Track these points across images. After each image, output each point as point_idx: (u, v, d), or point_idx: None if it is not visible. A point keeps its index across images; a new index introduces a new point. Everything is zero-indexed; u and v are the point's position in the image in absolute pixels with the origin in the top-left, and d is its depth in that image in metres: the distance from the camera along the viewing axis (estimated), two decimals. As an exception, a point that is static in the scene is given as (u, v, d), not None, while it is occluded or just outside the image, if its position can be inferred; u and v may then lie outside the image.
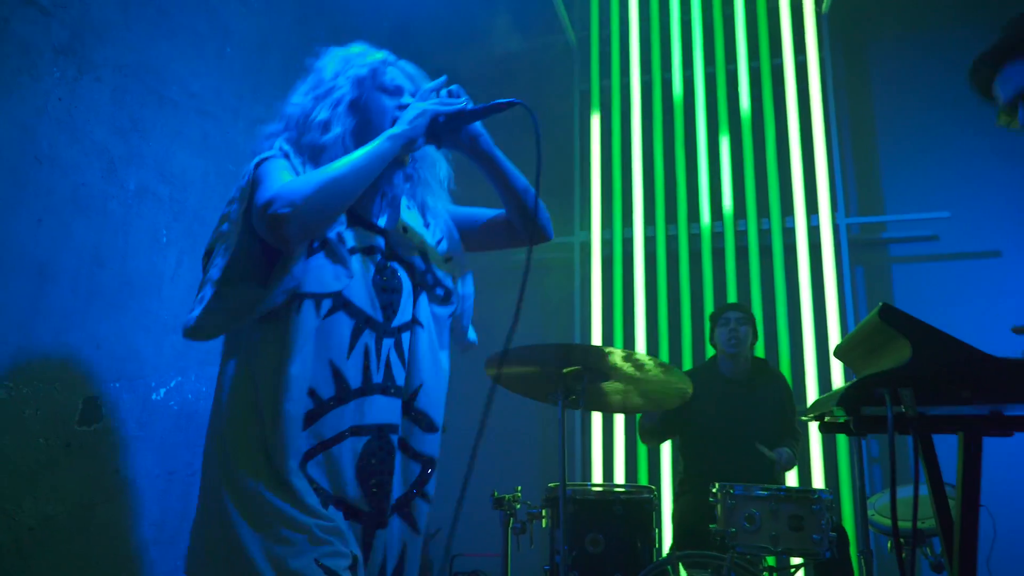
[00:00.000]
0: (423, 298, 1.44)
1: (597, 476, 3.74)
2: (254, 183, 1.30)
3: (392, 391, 1.36)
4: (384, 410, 1.34)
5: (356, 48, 1.48)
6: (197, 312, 1.27)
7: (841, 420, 1.49)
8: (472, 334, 1.57)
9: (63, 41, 1.96)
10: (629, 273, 3.99)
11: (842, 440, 3.45)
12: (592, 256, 4.05)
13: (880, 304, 1.24)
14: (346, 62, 1.44)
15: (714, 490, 2.44)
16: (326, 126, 1.37)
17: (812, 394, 3.52)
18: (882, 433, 1.21)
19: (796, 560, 2.56)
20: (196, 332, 1.29)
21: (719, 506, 2.41)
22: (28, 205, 1.87)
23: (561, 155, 4.31)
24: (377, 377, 1.33)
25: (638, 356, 2.38)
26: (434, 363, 1.42)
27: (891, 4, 4.02)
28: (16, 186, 1.84)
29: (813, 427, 3.42)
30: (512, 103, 1.37)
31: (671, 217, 4.01)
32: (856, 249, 3.78)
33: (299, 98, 1.43)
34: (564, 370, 2.29)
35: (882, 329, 1.24)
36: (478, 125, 1.44)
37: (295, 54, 3.04)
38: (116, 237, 2.14)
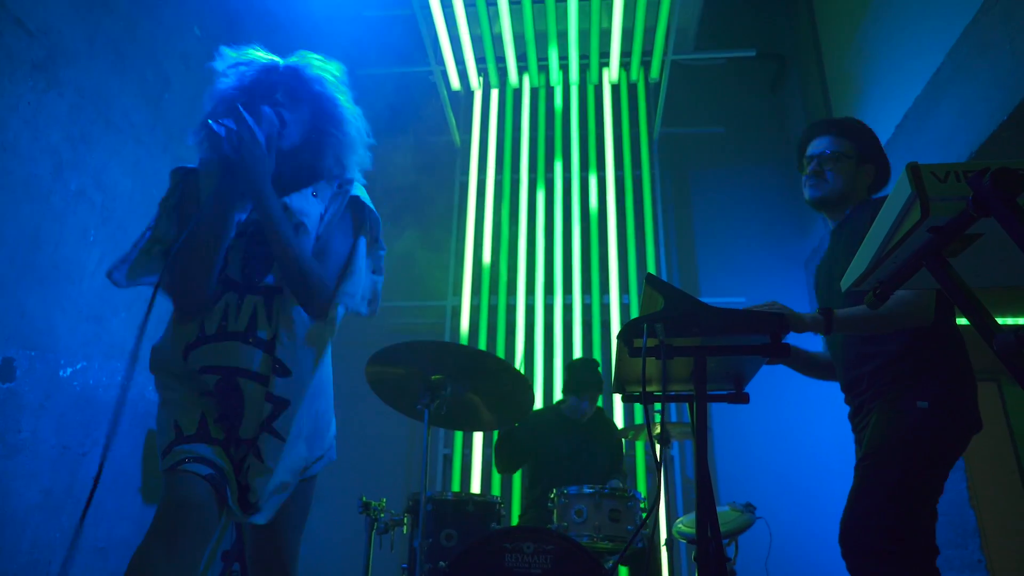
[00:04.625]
0: None
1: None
2: None
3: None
4: None
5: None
6: None
7: (635, 393, 2.10)
8: None
9: (40, 58, 2.39)
10: (493, 333, 4.59)
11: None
12: (461, 317, 4.64)
13: (647, 274, 1.89)
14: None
15: (552, 496, 2.96)
16: None
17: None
18: (648, 357, 1.81)
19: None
20: None
21: (555, 510, 2.91)
22: (-10, 181, 2.21)
23: (441, 233, 4.97)
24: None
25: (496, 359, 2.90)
26: None
27: (703, 141, 5.17)
28: (-16, 164, 2.19)
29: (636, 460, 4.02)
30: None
31: (530, 289, 4.71)
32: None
33: None
34: (433, 377, 2.77)
35: (649, 292, 1.88)
36: None
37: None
38: (54, 226, 2.47)
